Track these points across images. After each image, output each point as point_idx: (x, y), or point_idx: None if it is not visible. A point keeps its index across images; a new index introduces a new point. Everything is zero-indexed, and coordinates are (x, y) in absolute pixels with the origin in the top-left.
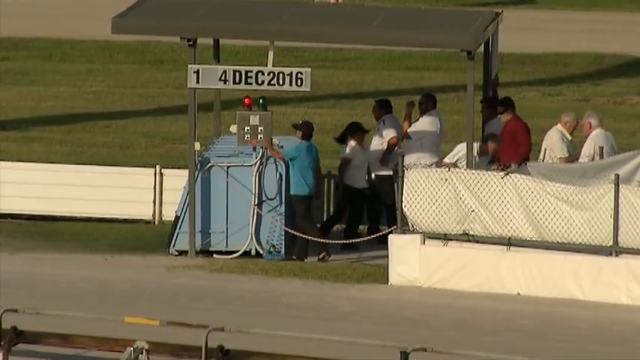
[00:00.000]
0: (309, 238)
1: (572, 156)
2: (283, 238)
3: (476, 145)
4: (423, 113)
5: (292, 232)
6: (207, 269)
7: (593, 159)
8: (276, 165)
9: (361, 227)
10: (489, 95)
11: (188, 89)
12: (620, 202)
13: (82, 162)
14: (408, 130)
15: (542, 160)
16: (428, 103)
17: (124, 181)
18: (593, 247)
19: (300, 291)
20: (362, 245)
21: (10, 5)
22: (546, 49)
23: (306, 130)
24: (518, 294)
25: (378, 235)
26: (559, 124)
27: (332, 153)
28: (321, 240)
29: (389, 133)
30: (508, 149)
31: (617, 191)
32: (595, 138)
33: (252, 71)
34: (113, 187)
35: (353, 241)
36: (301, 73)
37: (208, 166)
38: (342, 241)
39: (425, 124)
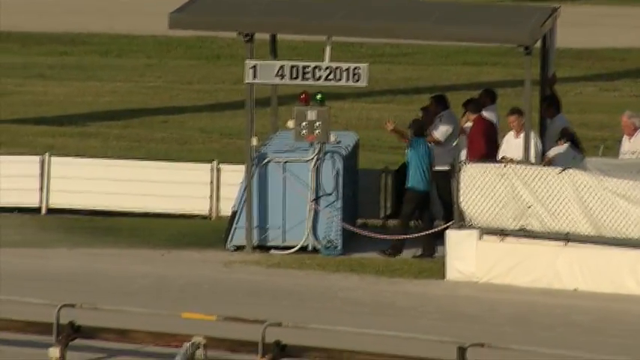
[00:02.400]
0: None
1: None
2: (340, 233)
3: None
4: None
5: (349, 227)
6: (264, 264)
7: None
8: (334, 160)
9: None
10: (547, 93)
11: (245, 84)
12: None
13: (139, 157)
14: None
15: None
16: (486, 98)
17: (181, 176)
18: None
19: (357, 286)
20: (417, 241)
21: (68, 1)
22: (603, 44)
23: (416, 127)
24: (575, 289)
25: (435, 230)
26: None
27: (389, 149)
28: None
29: (441, 130)
30: (469, 151)
31: None
32: None
33: (309, 66)
34: (170, 183)
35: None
36: (358, 69)
37: (265, 161)
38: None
39: None
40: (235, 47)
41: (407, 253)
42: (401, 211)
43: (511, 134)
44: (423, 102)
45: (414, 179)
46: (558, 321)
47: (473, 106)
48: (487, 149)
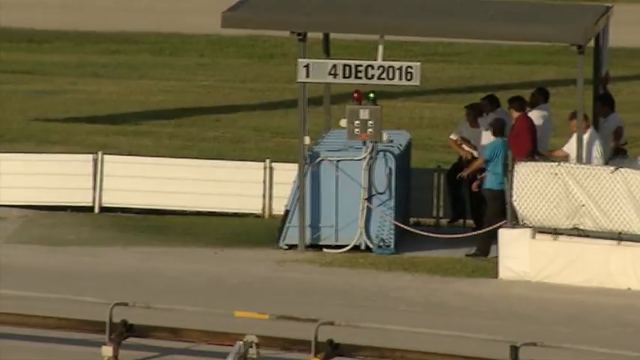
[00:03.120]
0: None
1: None
2: (393, 232)
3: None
4: (533, 107)
5: (402, 226)
6: (316, 263)
7: None
8: (386, 159)
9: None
10: (600, 92)
11: (298, 83)
12: None
13: (191, 156)
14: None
15: None
16: (539, 96)
17: (233, 175)
18: None
19: (410, 285)
20: (469, 240)
21: (122, 0)
22: None
23: (497, 127)
24: (629, 289)
25: (491, 228)
26: None
27: (441, 147)
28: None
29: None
30: (512, 148)
31: None
32: None
33: (361, 65)
34: (223, 181)
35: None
36: (411, 67)
37: (318, 160)
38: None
39: (533, 117)
40: (288, 46)
41: (460, 252)
42: (487, 214)
43: (575, 137)
44: (476, 101)
45: (490, 179)
46: (611, 320)
47: (517, 104)
48: (531, 147)
